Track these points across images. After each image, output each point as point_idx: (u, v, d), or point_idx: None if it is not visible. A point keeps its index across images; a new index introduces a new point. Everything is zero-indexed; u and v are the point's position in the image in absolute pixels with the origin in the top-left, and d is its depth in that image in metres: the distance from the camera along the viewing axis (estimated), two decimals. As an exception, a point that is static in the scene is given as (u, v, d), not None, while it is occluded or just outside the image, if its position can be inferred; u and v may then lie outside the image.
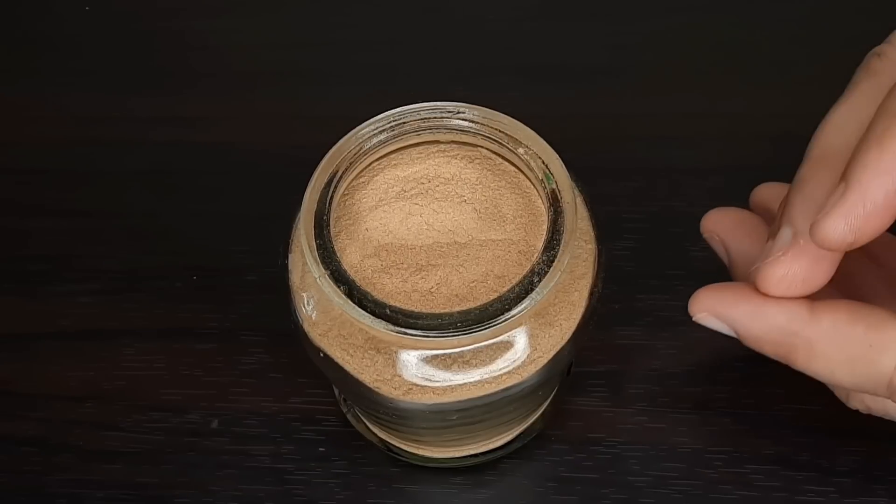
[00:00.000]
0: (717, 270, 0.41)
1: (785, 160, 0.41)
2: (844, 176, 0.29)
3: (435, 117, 0.32)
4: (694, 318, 0.32)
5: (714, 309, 0.31)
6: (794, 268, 0.30)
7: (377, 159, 0.33)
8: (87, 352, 0.41)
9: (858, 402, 0.34)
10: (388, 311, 0.29)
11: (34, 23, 0.50)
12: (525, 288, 0.30)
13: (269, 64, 0.48)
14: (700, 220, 0.37)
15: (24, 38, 0.50)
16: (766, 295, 0.31)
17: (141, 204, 0.44)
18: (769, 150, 0.43)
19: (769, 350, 0.31)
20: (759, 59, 0.47)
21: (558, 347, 0.31)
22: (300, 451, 0.38)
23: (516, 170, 0.33)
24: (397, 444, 0.37)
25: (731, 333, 0.32)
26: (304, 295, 0.32)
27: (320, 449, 0.38)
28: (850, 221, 0.28)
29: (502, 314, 0.29)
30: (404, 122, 0.32)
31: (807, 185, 0.32)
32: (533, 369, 0.31)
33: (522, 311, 0.29)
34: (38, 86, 0.48)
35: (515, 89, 0.46)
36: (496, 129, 0.32)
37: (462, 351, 0.30)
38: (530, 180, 0.32)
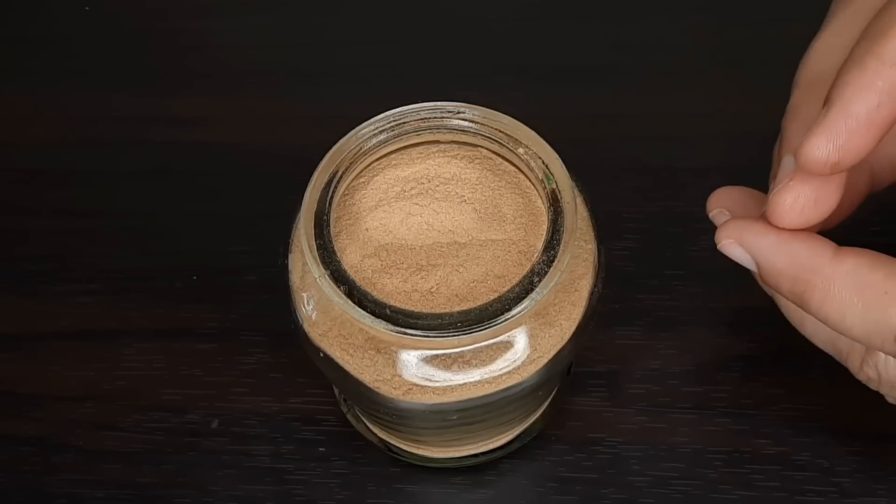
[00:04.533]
0: (718, 270, 0.41)
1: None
2: (827, 97, 0.29)
3: (435, 117, 0.32)
4: (719, 246, 0.31)
5: (741, 237, 0.31)
6: (805, 190, 0.30)
7: (377, 159, 0.33)
8: (86, 352, 0.41)
9: (871, 370, 0.33)
10: (388, 311, 0.29)
11: (29, 23, 0.50)
12: (525, 288, 0.30)
13: (269, 64, 0.48)
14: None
15: (20, 38, 0.50)
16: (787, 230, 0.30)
17: (140, 204, 0.44)
18: (769, 150, 0.43)
19: (786, 287, 0.30)
20: (760, 59, 0.47)
21: (558, 347, 0.31)
22: (300, 451, 0.38)
23: (516, 170, 0.33)
24: (397, 444, 0.37)
25: (752, 266, 0.31)
26: (305, 295, 0.32)
27: (320, 449, 0.38)
28: (833, 140, 0.28)
29: (502, 314, 0.29)
30: (404, 122, 0.32)
31: (800, 110, 0.33)
32: (533, 369, 0.31)
33: (522, 311, 0.29)
34: (35, 86, 0.48)
35: (515, 89, 0.46)
36: (496, 129, 0.32)
37: (462, 351, 0.30)
38: (530, 180, 0.32)
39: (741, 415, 0.38)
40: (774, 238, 0.30)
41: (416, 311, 0.30)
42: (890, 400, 0.33)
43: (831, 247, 0.30)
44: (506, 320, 0.29)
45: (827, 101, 0.29)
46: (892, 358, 0.32)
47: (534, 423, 0.38)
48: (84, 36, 0.50)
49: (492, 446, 0.37)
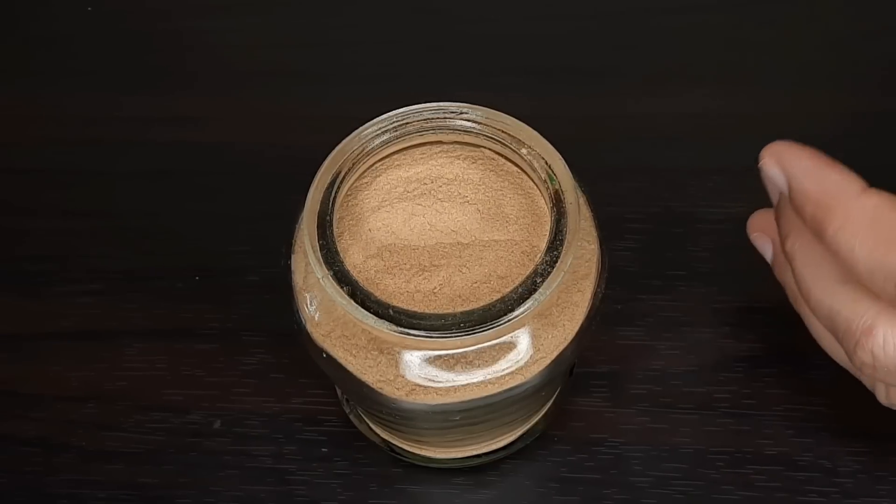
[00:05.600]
0: (720, 270, 0.41)
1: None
2: None
3: (438, 118, 0.32)
4: (760, 163, 0.33)
5: (782, 157, 0.32)
6: None
7: (380, 160, 0.33)
8: (87, 352, 0.41)
9: (866, 353, 0.32)
10: (391, 311, 0.29)
11: (31, 23, 0.50)
12: (528, 289, 0.30)
13: (269, 64, 0.48)
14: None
15: (22, 38, 0.50)
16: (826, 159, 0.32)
17: (141, 204, 0.44)
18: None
19: (809, 209, 0.31)
20: (760, 60, 0.47)
21: (561, 348, 0.31)
22: (302, 451, 0.38)
23: (519, 170, 0.33)
24: (399, 445, 0.37)
25: (784, 187, 0.33)
26: (307, 295, 0.32)
27: (322, 449, 0.38)
28: None
29: (505, 315, 0.29)
30: (407, 123, 0.32)
31: None
32: (536, 370, 0.31)
33: (525, 311, 0.29)
34: (36, 86, 0.48)
35: (518, 90, 0.46)
36: (499, 130, 0.32)
37: (465, 351, 0.30)
38: (533, 181, 0.32)
39: (743, 415, 0.38)
40: (811, 162, 0.32)
41: (419, 311, 0.30)
42: (881, 395, 0.33)
43: (862, 184, 0.31)
44: (509, 321, 0.29)
45: None
46: (889, 339, 0.32)
47: (536, 423, 0.38)
48: (85, 36, 0.50)
49: (494, 447, 0.37)
